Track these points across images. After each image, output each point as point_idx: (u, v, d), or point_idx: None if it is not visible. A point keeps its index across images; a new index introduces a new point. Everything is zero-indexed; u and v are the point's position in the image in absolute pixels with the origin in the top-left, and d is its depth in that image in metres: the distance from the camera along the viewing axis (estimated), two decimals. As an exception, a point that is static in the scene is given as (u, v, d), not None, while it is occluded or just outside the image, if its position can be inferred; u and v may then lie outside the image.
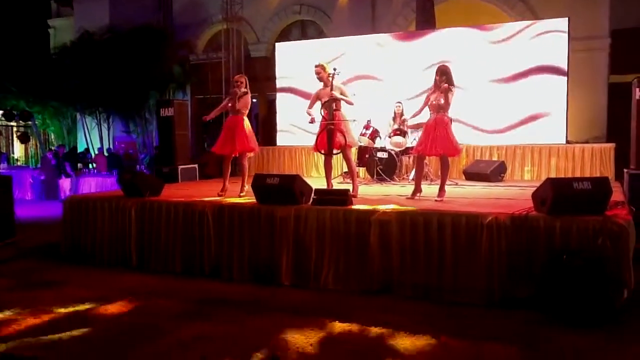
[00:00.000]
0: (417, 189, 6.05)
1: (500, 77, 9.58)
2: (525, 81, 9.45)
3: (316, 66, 6.29)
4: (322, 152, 6.29)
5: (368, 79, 10.32)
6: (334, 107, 6.14)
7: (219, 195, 6.30)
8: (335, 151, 6.24)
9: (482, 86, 9.58)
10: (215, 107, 6.89)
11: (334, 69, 6.17)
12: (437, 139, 5.77)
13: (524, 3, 11.60)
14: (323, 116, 6.21)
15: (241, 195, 6.35)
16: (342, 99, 6.15)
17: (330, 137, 6.10)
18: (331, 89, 6.10)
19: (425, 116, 6.03)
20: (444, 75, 5.82)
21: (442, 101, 5.79)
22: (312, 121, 6.25)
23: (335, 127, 6.10)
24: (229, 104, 6.56)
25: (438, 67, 5.98)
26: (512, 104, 9.50)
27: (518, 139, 9.45)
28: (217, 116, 6.92)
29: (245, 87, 6.55)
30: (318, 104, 6.36)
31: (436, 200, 5.69)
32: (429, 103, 5.91)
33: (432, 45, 10.07)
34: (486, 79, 9.62)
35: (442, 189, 5.91)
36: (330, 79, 6.16)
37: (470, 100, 9.30)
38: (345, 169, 8.92)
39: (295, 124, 10.80)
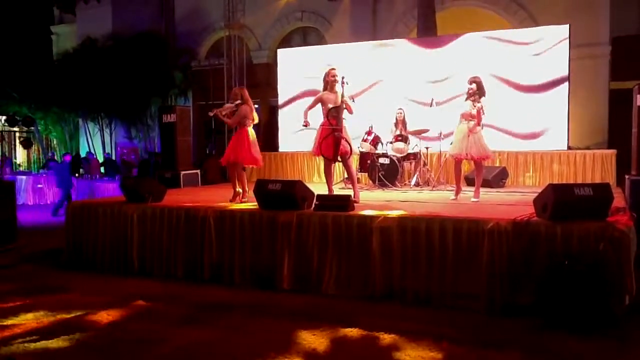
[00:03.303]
0: (458, 190, 6.63)
1: (504, 82, 9.59)
2: (528, 88, 9.47)
3: (332, 69, 6.31)
4: (327, 157, 6.29)
5: (370, 85, 10.34)
6: (341, 115, 6.14)
7: (230, 202, 6.29)
8: (338, 158, 6.25)
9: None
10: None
11: (342, 77, 6.14)
12: (471, 145, 6.26)
13: (525, 10, 11.64)
14: (329, 121, 6.20)
15: (243, 200, 6.35)
16: (349, 106, 6.15)
17: (337, 144, 6.11)
18: (342, 97, 6.10)
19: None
20: (472, 84, 6.34)
21: (475, 112, 6.24)
22: (306, 124, 6.26)
23: (341, 134, 6.10)
24: (229, 121, 6.61)
25: (470, 77, 6.43)
26: (519, 113, 9.49)
27: (520, 145, 9.46)
28: (222, 124, 6.93)
29: (240, 99, 6.54)
30: (314, 109, 6.37)
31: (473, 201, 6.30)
32: (463, 112, 6.39)
33: (433, 51, 10.10)
34: (488, 83, 9.61)
35: (477, 190, 6.50)
36: (340, 86, 6.14)
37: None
38: (346, 175, 8.94)
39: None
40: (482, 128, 6.35)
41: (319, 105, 6.28)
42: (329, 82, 6.24)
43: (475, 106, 6.22)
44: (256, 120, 6.65)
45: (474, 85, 6.30)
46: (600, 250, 4.09)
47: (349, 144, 6.13)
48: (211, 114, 6.64)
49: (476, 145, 6.25)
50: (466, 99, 6.38)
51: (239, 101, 6.53)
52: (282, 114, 11.52)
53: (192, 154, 10.65)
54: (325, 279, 5.04)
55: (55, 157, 16.39)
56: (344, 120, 6.19)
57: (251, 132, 6.58)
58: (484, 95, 6.31)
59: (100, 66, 13.94)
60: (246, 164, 6.62)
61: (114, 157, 15.24)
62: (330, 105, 6.17)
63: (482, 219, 4.60)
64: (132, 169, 14.39)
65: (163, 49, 14.60)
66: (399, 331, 3.90)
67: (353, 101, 6.23)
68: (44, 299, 4.94)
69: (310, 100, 6.52)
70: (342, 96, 6.09)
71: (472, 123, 6.26)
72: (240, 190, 6.51)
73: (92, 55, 14.53)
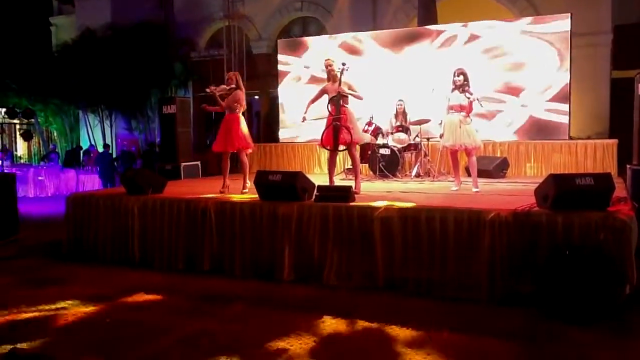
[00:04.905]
0: (458, 181, 6.71)
1: (500, 74, 9.57)
2: (526, 77, 9.43)
3: (326, 60, 6.33)
4: (328, 148, 6.27)
5: (370, 75, 10.28)
6: (341, 103, 6.11)
7: (221, 193, 6.31)
8: (341, 147, 6.23)
9: (481, 82, 9.55)
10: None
11: (343, 64, 6.11)
12: (463, 136, 6.27)
13: (526, -1, 11.58)
14: (330, 112, 6.17)
15: (244, 192, 6.35)
16: (350, 94, 6.13)
17: (336, 134, 6.08)
18: (339, 84, 6.09)
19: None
20: (460, 76, 6.31)
21: (465, 103, 6.25)
22: (303, 119, 6.40)
23: (341, 123, 6.07)
24: (222, 103, 6.59)
25: (457, 69, 6.40)
26: (514, 101, 9.48)
27: (520, 135, 9.43)
28: (221, 114, 6.88)
29: (235, 84, 6.53)
30: (319, 100, 6.37)
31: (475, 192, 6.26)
32: (451, 104, 6.37)
33: (433, 41, 10.05)
34: (486, 75, 9.59)
35: (474, 180, 6.49)
36: (339, 74, 6.13)
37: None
38: (348, 166, 8.93)
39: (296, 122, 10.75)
40: (471, 119, 6.39)
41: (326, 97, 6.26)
42: (327, 72, 6.26)
43: (467, 97, 6.25)
44: (244, 108, 6.62)
45: (461, 77, 6.33)
46: (601, 240, 4.09)
47: (350, 133, 6.06)
48: (208, 90, 6.62)
49: (467, 136, 6.31)
50: (452, 90, 6.40)
51: (233, 86, 6.52)
52: (282, 104, 11.49)
53: (192, 145, 10.63)
54: (326, 270, 5.04)
55: (57, 149, 16.39)
56: (350, 110, 6.16)
57: (241, 118, 6.57)
58: (469, 86, 6.35)
59: (100, 57, 13.89)
60: (237, 148, 6.56)
61: (110, 150, 15.03)
62: (331, 95, 6.15)
63: (483, 210, 4.59)
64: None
65: (163, 39, 14.53)
66: (399, 321, 3.91)
67: (355, 91, 6.21)
68: (45, 290, 4.95)
69: (310, 90, 6.51)
70: (340, 84, 6.06)
71: (462, 114, 6.30)
72: (229, 183, 6.55)
73: (92, 46, 14.47)
